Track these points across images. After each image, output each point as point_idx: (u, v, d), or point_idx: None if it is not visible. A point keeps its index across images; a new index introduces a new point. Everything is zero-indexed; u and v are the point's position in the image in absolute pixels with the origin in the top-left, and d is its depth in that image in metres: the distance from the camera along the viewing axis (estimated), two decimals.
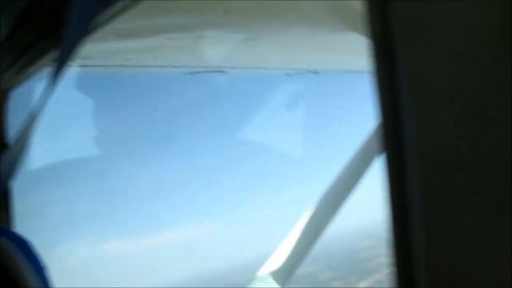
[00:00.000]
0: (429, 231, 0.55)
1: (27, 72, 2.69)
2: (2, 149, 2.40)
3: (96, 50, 2.97)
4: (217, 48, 3.29)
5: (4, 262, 1.17)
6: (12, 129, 2.67)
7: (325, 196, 3.41)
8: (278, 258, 3.75)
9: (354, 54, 3.38)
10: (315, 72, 4.26)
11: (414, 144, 0.56)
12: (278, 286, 3.52)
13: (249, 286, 3.57)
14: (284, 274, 3.74)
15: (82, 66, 3.29)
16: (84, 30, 1.21)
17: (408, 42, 0.57)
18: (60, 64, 1.17)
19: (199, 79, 3.84)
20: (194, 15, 2.53)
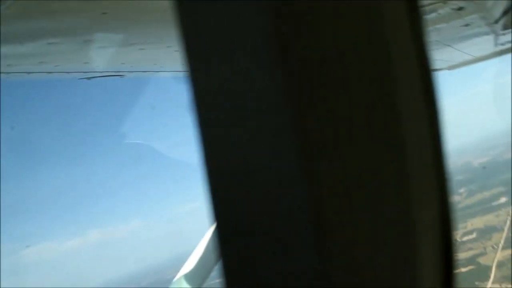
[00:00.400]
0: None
1: None
2: None
3: None
4: (105, 52, 3.25)
5: None
6: None
7: None
8: (193, 260, 3.78)
9: None
10: None
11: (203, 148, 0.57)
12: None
13: None
14: (199, 276, 3.74)
15: None
16: None
17: (193, 46, 0.57)
18: None
19: (96, 84, 3.78)
20: (72, 18, 2.48)
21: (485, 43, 6.10)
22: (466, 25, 4.73)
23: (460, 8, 4.14)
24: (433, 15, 4.12)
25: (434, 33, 4.80)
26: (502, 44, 6.27)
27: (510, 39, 5.97)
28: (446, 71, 7.84)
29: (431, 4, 3.87)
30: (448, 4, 3.98)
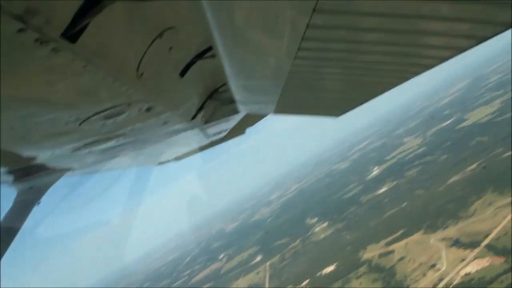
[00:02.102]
0: None
1: None
2: None
3: None
4: None
5: None
6: None
7: None
8: None
9: None
10: None
11: None
12: None
13: None
14: None
15: None
16: None
17: None
18: None
19: None
20: None
21: (197, 136, 6.11)
22: (164, 123, 4.51)
23: (149, 109, 3.82)
24: (122, 116, 3.71)
25: (134, 133, 4.44)
26: (214, 135, 6.44)
27: (218, 130, 6.15)
28: (171, 163, 7.81)
29: (114, 107, 3.44)
30: (133, 107, 3.60)
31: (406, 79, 3.83)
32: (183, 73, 3.76)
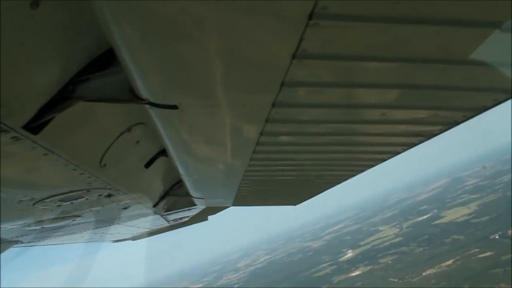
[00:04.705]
0: None
1: None
2: None
3: None
4: None
5: None
6: None
7: None
8: None
9: None
10: None
11: None
12: None
13: None
14: None
15: None
16: None
17: None
18: None
19: None
20: None
21: (157, 220, 6.12)
22: (125, 208, 4.49)
23: (110, 195, 3.82)
24: (80, 200, 3.67)
25: (92, 214, 4.40)
26: (174, 220, 6.49)
27: (180, 216, 6.21)
28: (128, 242, 7.87)
29: (73, 191, 3.41)
30: (93, 192, 3.58)
31: (358, 172, 4.01)
32: (148, 165, 3.79)
